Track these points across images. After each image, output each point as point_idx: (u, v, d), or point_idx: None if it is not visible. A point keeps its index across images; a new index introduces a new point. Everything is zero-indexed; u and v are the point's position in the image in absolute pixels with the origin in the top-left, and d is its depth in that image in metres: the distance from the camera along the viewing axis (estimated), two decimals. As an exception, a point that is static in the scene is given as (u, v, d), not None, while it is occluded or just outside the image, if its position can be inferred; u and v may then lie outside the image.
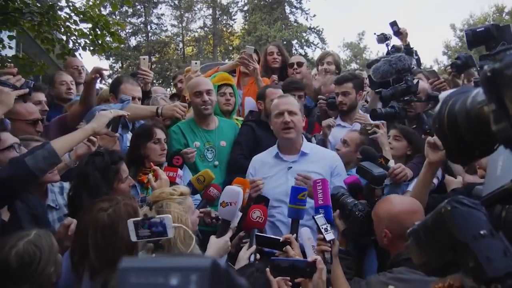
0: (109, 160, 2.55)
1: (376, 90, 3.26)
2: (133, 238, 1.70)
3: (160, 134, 3.05)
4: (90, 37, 5.80)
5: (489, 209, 0.90)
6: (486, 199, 0.96)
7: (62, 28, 5.77)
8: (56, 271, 1.80)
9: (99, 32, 5.81)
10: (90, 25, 5.78)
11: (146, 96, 3.83)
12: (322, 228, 2.19)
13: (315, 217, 2.25)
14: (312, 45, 30.27)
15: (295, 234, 2.31)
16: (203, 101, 3.38)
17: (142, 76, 3.82)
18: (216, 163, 3.30)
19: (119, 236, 1.80)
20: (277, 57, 4.61)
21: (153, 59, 31.56)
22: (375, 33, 4.18)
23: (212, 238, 2.28)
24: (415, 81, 3.14)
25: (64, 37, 6.00)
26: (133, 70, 25.55)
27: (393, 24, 4.24)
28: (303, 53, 28.93)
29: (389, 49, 3.92)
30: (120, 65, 30.66)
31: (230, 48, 32.02)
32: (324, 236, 2.16)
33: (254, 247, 2.27)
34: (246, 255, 2.26)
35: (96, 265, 1.79)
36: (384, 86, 3.20)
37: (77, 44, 5.85)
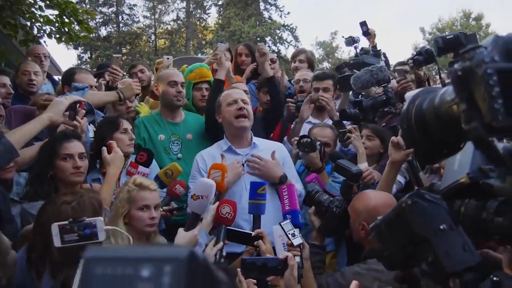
0: (57, 136, 2.48)
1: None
2: (57, 243, 1.55)
3: (126, 124, 2.95)
4: (57, 24, 5.58)
5: (449, 204, 0.91)
6: (443, 193, 0.97)
7: (26, 14, 5.52)
8: (7, 272, 1.69)
9: (66, 20, 5.60)
10: (56, 12, 5.56)
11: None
12: (289, 234, 2.16)
13: (281, 223, 2.22)
14: (285, 42, 30.46)
15: (258, 230, 2.29)
16: (178, 91, 3.32)
17: (112, 75, 3.72)
18: (180, 155, 3.23)
19: None
20: (246, 59, 4.56)
21: (124, 50, 30.91)
22: (343, 36, 4.22)
23: (180, 231, 2.22)
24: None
25: (28, 23, 5.75)
26: (102, 61, 24.95)
27: (363, 24, 4.28)
28: (276, 50, 29.07)
29: (358, 51, 3.96)
30: (89, 55, 29.87)
31: (203, 42, 31.76)
32: (291, 242, 2.15)
33: (221, 243, 2.21)
34: (212, 252, 2.19)
35: (59, 259, 1.71)
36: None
37: (42, 31, 5.62)
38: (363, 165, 2.92)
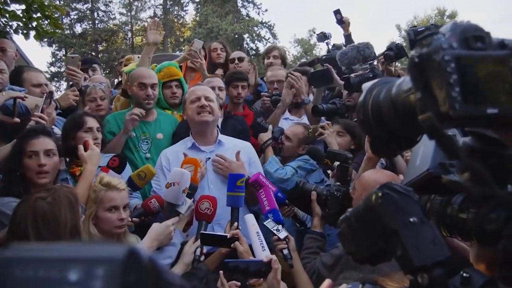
0: (26, 133, 2.40)
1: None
2: None
3: (91, 122, 2.82)
4: (24, 19, 5.36)
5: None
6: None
7: (-9, 9, 5.30)
8: None
9: (34, 15, 5.39)
10: (23, 7, 5.34)
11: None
12: (274, 230, 2.27)
13: (265, 223, 2.32)
14: (263, 39, 30.42)
15: (236, 223, 2.30)
16: (147, 95, 3.24)
17: (69, 76, 3.58)
18: (148, 155, 3.17)
19: (62, 221, 1.71)
20: (221, 53, 4.57)
21: (100, 48, 30.35)
22: (314, 32, 4.22)
23: (154, 224, 2.18)
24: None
25: (-7, 18, 5.52)
26: (77, 58, 24.39)
27: (337, 12, 4.27)
28: (254, 48, 29.06)
29: (330, 47, 3.94)
30: (64, 52, 29.16)
31: (181, 39, 31.45)
32: (278, 236, 2.25)
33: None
34: (191, 249, 2.18)
35: None
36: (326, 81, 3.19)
37: (8, 27, 5.40)
38: (336, 162, 2.90)
